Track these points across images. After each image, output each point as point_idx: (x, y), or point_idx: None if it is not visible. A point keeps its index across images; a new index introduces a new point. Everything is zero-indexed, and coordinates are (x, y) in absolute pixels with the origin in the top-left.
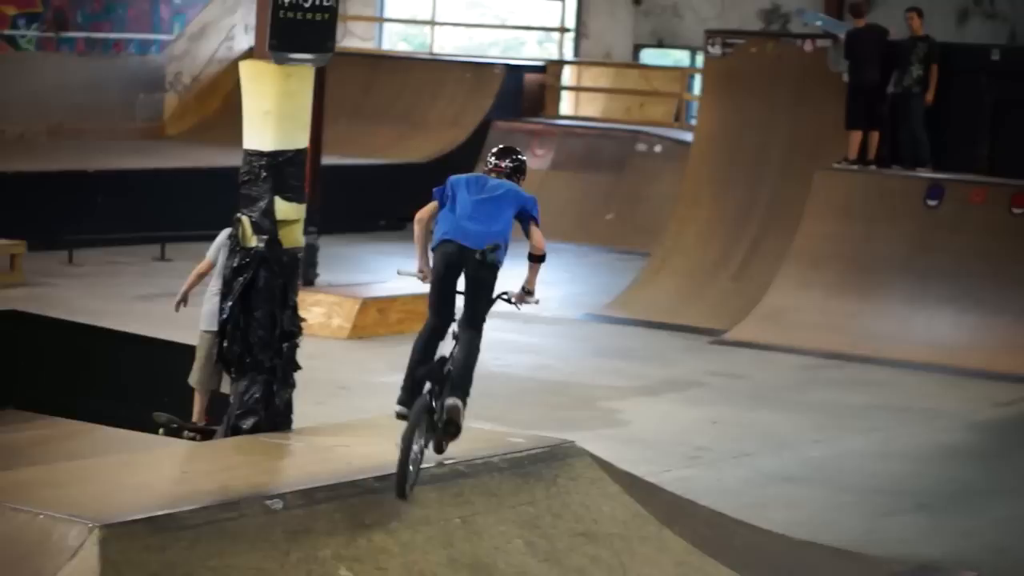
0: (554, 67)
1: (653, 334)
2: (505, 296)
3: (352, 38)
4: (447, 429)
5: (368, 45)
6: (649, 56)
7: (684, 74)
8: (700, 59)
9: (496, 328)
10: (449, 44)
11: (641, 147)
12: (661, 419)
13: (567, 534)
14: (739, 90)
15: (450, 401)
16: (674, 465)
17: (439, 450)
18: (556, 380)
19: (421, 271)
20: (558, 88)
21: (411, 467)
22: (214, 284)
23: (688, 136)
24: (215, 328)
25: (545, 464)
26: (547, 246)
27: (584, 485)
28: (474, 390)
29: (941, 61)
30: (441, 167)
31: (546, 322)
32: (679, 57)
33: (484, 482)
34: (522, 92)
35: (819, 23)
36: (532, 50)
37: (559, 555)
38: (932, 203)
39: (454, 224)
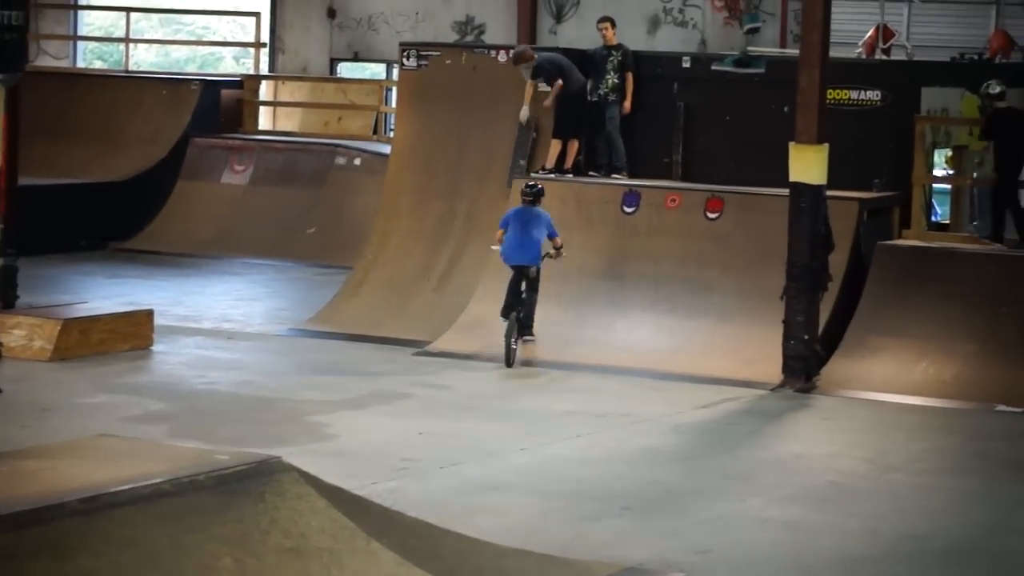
0: (251, 82)
1: (357, 347)
2: (548, 255)
3: (46, 57)
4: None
5: (63, 63)
6: (346, 69)
7: (381, 87)
8: (396, 71)
9: (199, 346)
10: (146, 61)
11: (340, 161)
12: (367, 432)
13: (276, 550)
14: (435, 101)
15: (526, 337)
16: (381, 477)
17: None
18: (261, 396)
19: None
20: (256, 103)
21: (510, 354)
22: None
23: (387, 148)
24: None
25: (252, 480)
26: (249, 262)
27: (291, 500)
28: (179, 408)
29: (636, 68)
30: (140, 184)
31: (249, 338)
32: (376, 70)
33: (190, 500)
34: (219, 108)
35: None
36: (229, 66)
37: (268, 571)
38: (629, 210)
39: (511, 250)
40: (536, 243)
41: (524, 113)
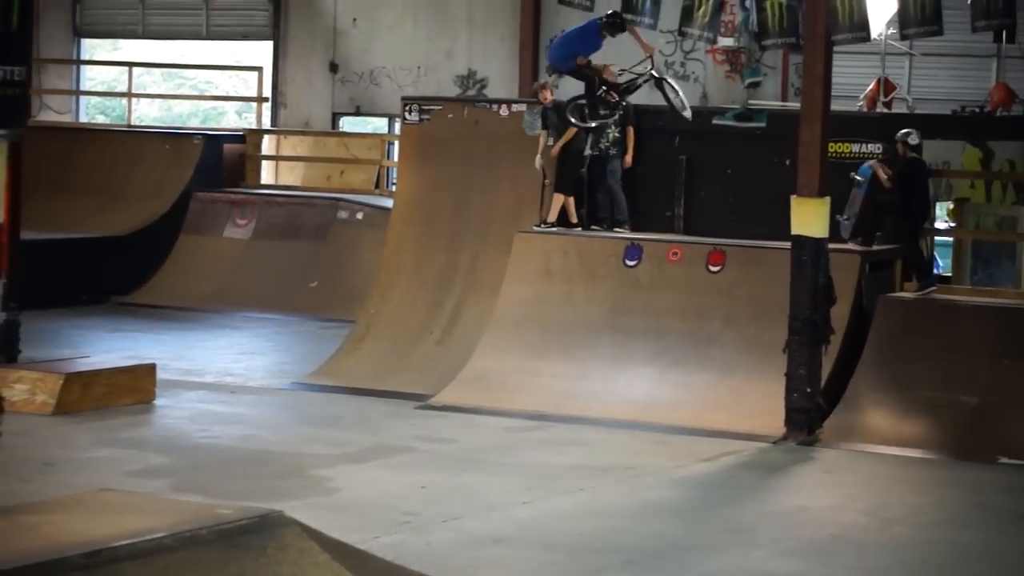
0: (253, 136)
1: (359, 401)
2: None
3: (48, 111)
4: None
5: (66, 118)
6: (348, 123)
7: (383, 141)
8: (398, 126)
9: (201, 400)
10: (148, 116)
11: (343, 214)
12: (369, 485)
13: None
14: (437, 155)
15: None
16: (383, 531)
17: None
18: (263, 450)
19: None
20: (258, 157)
21: None
22: None
23: (389, 202)
24: None
25: (254, 535)
26: (251, 316)
27: (293, 555)
28: (181, 462)
29: (636, 122)
30: (142, 238)
31: (252, 392)
32: (378, 124)
33: (192, 555)
34: (222, 162)
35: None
36: (232, 120)
37: None
38: (631, 263)
39: None
40: (560, 47)
41: (538, 162)
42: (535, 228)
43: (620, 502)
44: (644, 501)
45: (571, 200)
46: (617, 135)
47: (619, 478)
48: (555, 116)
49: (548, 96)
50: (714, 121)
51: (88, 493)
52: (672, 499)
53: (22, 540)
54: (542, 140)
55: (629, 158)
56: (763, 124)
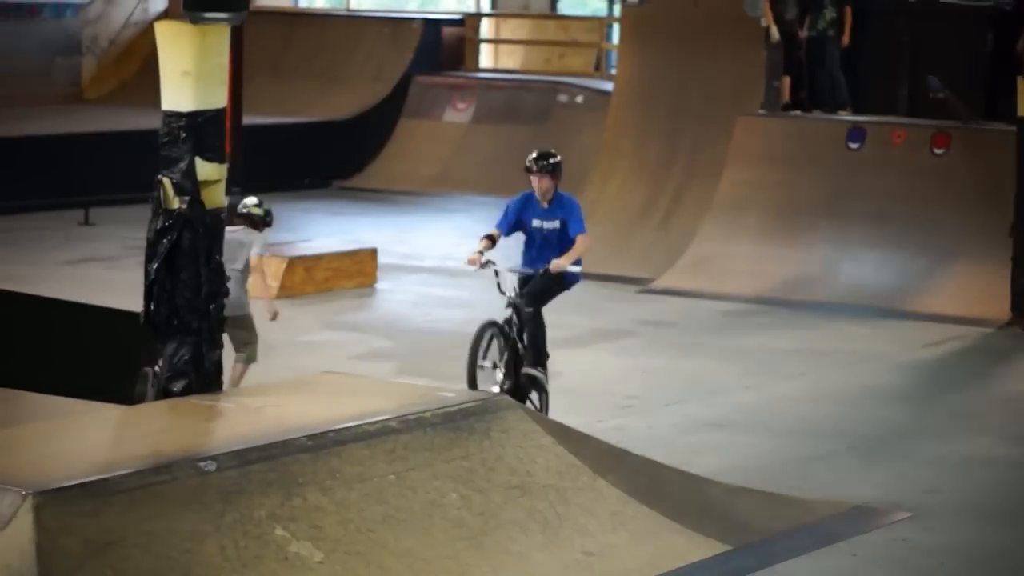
0: (472, 20)
1: (581, 285)
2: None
3: None
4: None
5: (285, 2)
6: (567, 6)
7: (603, 23)
8: (618, 8)
9: (423, 283)
10: (366, 0)
11: (562, 98)
12: (591, 369)
13: (502, 487)
14: (657, 38)
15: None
16: (606, 415)
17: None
18: None
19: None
20: (477, 41)
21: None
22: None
23: (609, 86)
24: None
25: (477, 418)
26: (471, 199)
27: (517, 437)
28: (404, 345)
29: (855, 3)
30: (363, 123)
31: (474, 276)
32: (597, 7)
33: (417, 438)
34: (441, 46)
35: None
36: (450, 3)
37: (495, 508)
38: (854, 146)
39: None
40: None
41: (775, 33)
42: (784, 113)
43: (843, 387)
44: (867, 386)
45: (785, 80)
46: (834, 15)
47: (841, 363)
48: None
49: None
50: (941, 0)
51: (312, 376)
52: (895, 384)
53: (248, 423)
54: (769, 13)
55: (846, 38)
56: (991, 3)
